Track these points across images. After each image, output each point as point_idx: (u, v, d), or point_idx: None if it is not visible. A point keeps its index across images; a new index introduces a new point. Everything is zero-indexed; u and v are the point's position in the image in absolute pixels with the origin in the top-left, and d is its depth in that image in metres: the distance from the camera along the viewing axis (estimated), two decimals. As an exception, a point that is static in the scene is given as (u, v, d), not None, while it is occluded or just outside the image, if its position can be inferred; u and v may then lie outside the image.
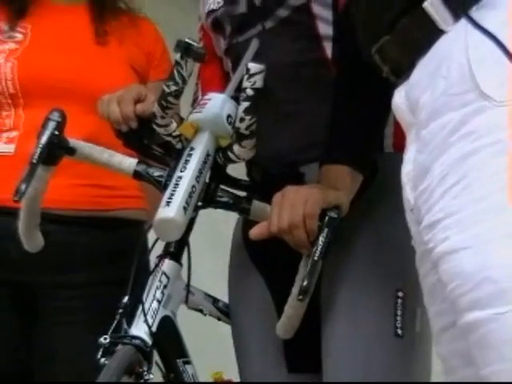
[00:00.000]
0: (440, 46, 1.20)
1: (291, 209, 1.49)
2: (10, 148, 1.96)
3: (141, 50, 2.11)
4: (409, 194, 1.27)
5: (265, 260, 1.76)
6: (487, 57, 1.12)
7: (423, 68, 1.24)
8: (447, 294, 1.15)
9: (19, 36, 2.04)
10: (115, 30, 2.09)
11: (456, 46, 1.17)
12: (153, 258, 1.66)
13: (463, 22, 1.17)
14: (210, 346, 1.94)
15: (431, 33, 1.21)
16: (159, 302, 1.55)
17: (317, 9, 1.73)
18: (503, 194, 1.06)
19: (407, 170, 1.28)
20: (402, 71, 1.28)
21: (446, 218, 1.12)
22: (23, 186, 1.57)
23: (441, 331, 1.27)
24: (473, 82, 1.11)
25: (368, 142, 1.64)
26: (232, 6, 1.84)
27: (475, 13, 1.16)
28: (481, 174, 1.08)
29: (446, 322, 1.23)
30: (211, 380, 2.23)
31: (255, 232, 1.56)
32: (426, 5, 1.20)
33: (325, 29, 1.72)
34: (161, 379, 1.61)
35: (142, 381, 1.45)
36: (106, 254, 1.97)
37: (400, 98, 1.30)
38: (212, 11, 1.89)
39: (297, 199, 1.51)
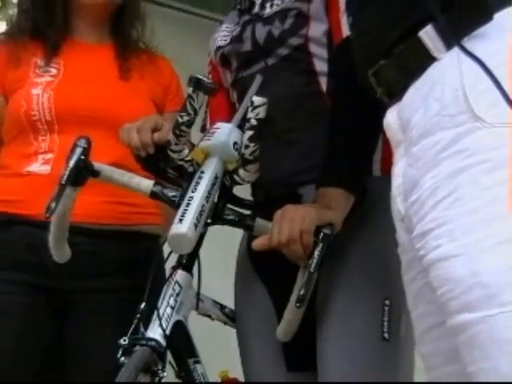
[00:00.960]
0: (433, 72, 1.21)
1: (290, 225, 1.53)
2: (46, 168, 1.99)
3: (159, 85, 2.17)
4: (399, 205, 1.28)
5: (267, 271, 1.79)
6: (479, 82, 1.13)
7: (416, 90, 1.24)
8: (436, 298, 1.16)
9: (54, 71, 2.08)
10: (136, 66, 2.14)
11: (449, 72, 1.18)
12: (167, 269, 1.69)
13: (455, 50, 1.18)
14: (217, 347, 1.97)
15: (425, 59, 1.22)
16: (172, 308, 1.57)
17: (313, 48, 1.77)
18: (492, 208, 1.06)
19: (398, 183, 1.28)
20: (396, 93, 1.29)
21: (437, 228, 1.12)
22: (53, 204, 1.62)
23: (424, 332, 1.28)
24: (466, 104, 1.12)
25: (359, 167, 1.67)
26: (238, 44, 1.88)
27: (467, 43, 1.17)
28: (472, 188, 1.09)
29: (430, 324, 1.25)
30: (218, 377, 2.23)
31: (257, 243, 1.60)
32: (421, 34, 1.21)
33: (320, 65, 1.77)
34: (173, 377, 1.63)
35: (157, 378, 1.47)
36: (127, 264, 1.98)
37: (392, 118, 1.31)
38: (220, 47, 1.93)
39: (295, 216, 1.54)
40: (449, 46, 1.18)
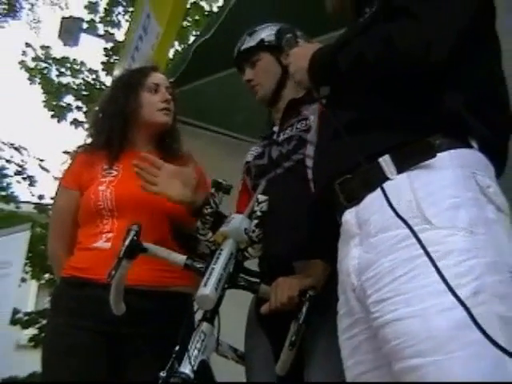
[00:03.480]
0: (387, 188, 1.27)
1: (281, 294, 1.67)
2: (107, 245, 2.09)
3: None
4: (353, 279, 1.31)
5: (268, 325, 1.89)
6: (428, 198, 1.22)
7: (373, 199, 1.30)
8: (377, 348, 1.23)
9: (115, 172, 2.22)
10: None
11: (402, 189, 1.25)
12: (196, 320, 1.75)
13: (405, 174, 1.27)
14: (231, 379, 2.01)
15: (381, 178, 1.29)
16: (199, 350, 1.63)
17: (309, 162, 1.88)
18: (440, 285, 1.12)
19: (353, 263, 1.32)
20: (354, 199, 1.35)
21: (395, 297, 1.18)
22: (113, 272, 1.72)
23: (359, 375, 1.33)
24: (419, 211, 1.20)
25: (333, 247, 1.65)
26: (258, 160, 2.05)
27: (415, 171, 1.26)
28: (425, 270, 1.15)
29: (365, 369, 1.31)
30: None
31: (263, 309, 1.74)
32: (380, 160, 1.29)
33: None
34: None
35: (187, 401, 1.57)
36: (166, 316, 2.03)
37: (350, 216, 1.36)
38: (247, 162, 2.11)
39: (284, 287, 1.68)
40: (399, 171, 1.27)
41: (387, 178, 1.28)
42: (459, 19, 1.28)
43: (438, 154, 1.26)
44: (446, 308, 1.12)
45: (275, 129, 2.08)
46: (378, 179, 1.29)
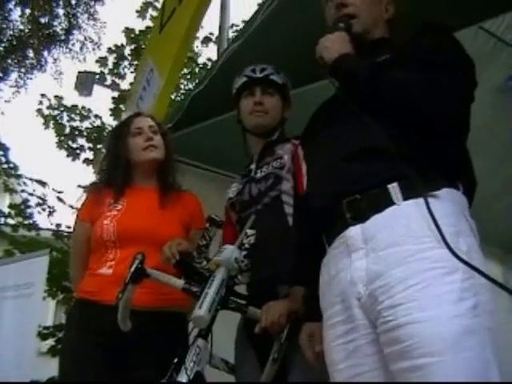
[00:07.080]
0: (393, 211, 1.27)
1: (272, 314, 1.67)
2: (110, 271, 2.11)
3: (186, 212, 2.27)
4: (360, 288, 1.28)
5: (255, 341, 1.86)
6: (444, 221, 1.21)
7: (378, 219, 1.29)
8: (396, 349, 1.19)
9: (119, 206, 2.23)
10: (170, 201, 2.26)
11: (412, 213, 1.25)
12: (191, 337, 1.74)
13: (412, 201, 1.27)
14: None
15: (387, 202, 1.29)
16: (194, 362, 1.63)
17: (284, 197, 1.91)
18: (449, 295, 1.16)
19: (360, 274, 1.29)
20: (360, 218, 1.33)
21: (408, 303, 1.18)
22: (120, 295, 1.76)
23: (354, 376, 1.29)
24: (430, 231, 1.20)
25: (313, 274, 1.61)
26: (240, 196, 2.04)
27: (420, 199, 1.23)
28: (436, 281, 1.18)
29: (363, 370, 1.29)
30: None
31: (257, 329, 1.71)
32: (389, 187, 1.30)
33: (288, 209, 1.89)
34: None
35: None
36: (163, 333, 2.02)
37: (355, 232, 1.33)
38: (230, 198, 2.09)
39: (275, 309, 1.69)
40: (405, 198, 1.29)
41: (393, 203, 1.30)
42: (468, 97, 1.37)
43: (447, 189, 1.32)
44: (455, 315, 1.16)
45: (252, 166, 2.08)
46: (384, 203, 1.31)
